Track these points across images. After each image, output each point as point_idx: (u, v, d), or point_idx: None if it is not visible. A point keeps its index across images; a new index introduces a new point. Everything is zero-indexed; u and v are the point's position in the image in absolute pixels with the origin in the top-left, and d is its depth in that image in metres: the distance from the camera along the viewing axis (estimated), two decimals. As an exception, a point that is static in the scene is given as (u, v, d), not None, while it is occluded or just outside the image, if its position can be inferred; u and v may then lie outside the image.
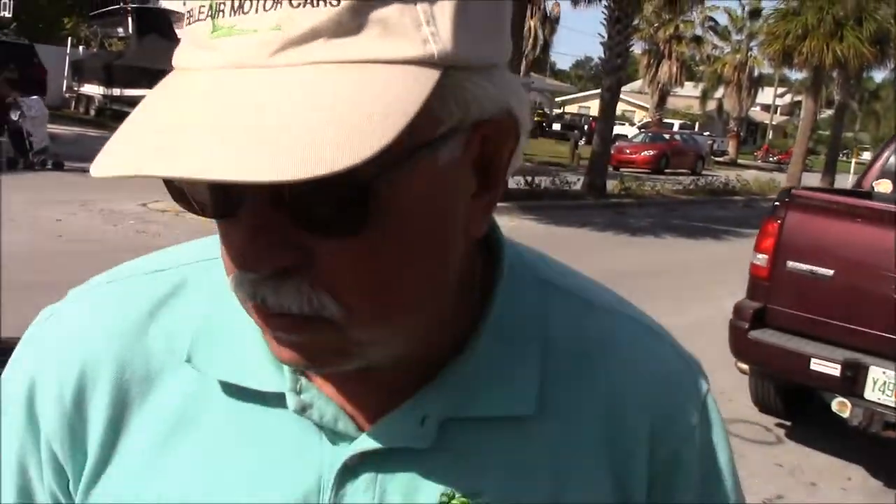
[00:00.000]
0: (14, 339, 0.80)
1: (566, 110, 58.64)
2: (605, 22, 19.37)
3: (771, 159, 51.81)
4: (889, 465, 5.14)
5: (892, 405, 4.62)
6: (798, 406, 5.88)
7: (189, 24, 0.55)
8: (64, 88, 23.41)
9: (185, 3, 0.57)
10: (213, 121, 0.50)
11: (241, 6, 0.52)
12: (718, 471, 0.80)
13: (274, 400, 0.69)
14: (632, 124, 49.42)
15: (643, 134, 35.78)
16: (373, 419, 0.69)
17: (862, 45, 28.01)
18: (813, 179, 29.71)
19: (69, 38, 24.54)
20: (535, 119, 43.71)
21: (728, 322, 5.39)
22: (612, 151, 29.79)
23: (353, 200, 0.54)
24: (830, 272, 4.88)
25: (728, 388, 6.33)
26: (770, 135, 65.76)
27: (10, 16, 25.43)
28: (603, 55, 19.53)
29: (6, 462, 0.74)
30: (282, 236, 0.55)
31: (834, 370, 4.75)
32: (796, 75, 46.76)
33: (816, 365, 4.81)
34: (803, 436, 5.70)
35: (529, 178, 17.48)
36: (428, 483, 0.68)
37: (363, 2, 0.51)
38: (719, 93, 50.53)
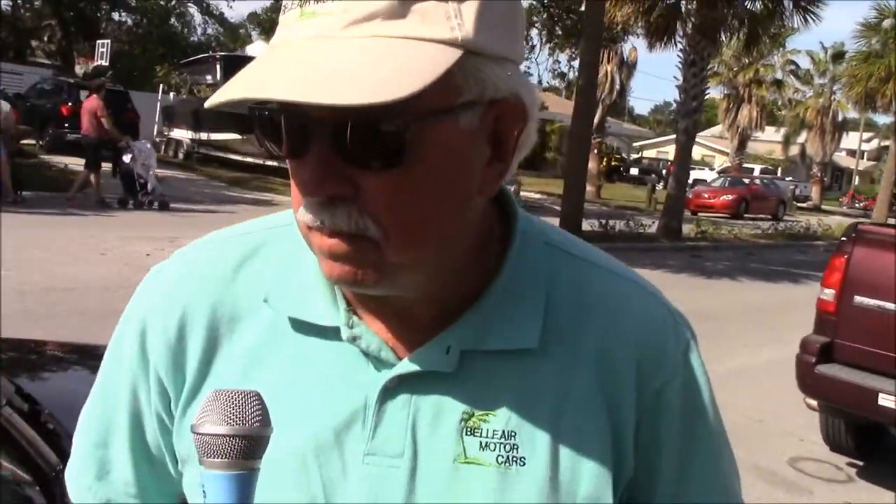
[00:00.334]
0: (101, 346, 1.00)
1: (644, 155, 58.37)
2: (680, 65, 19.44)
3: (857, 205, 50.47)
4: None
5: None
6: (870, 444, 5.80)
7: (283, 13, 0.75)
8: (155, 133, 24.40)
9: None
10: (303, 69, 0.69)
11: None
12: (699, 408, 0.93)
13: (331, 333, 0.86)
14: (711, 169, 48.88)
15: (722, 178, 35.35)
16: (408, 350, 0.85)
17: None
18: (900, 225, 28.87)
19: (161, 85, 25.62)
20: (613, 164, 43.63)
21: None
22: (691, 196, 29.60)
23: (390, 142, 0.72)
24: (897, 307, 4.86)
25: (799, 428, 6.29)
26: (856, 180, 64.12)
27: (107, 64, 26.85)
28: (678, 98, 19.55)
29: (122, 389, 0.94)
30: (337, 171, 0.73)
31: (902, 405, 4.71)
32: (883, 119, 45.71)
33: (884, 400, 4.78)
34: (875, 475, 5.62)
35: (603, 221, 17.52)
36: (452, 402, 0.85)
37: None
38: (802, 137, 49.57)
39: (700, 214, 27.32)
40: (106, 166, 14.68)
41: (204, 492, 0.70)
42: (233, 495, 0.69)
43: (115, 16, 39.15)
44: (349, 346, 0.86)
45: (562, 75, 27.76)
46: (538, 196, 28.01)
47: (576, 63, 18.91)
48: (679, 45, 19.61)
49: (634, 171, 46.12)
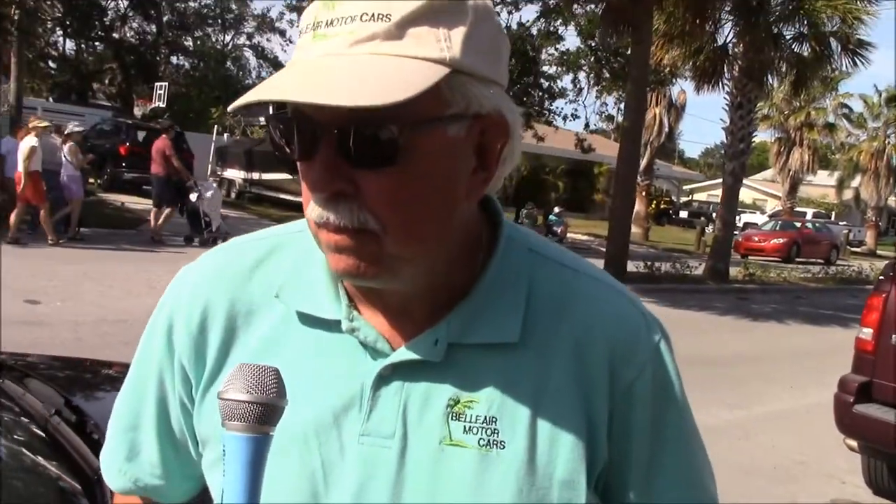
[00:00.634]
0: None
1: (694, 198, 57.93)
2: (727, 108, 19.42)
3: (913, 250, 49.38)
4: None
5: None
6: (912, 488, 5.70)
7: (300, 36, 0.87)
8: (209, 172, 24.96)
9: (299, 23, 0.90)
10: (311, 78, 0.81)
11: (331, 22, 0.84)
12: (669, 401, 1.01)
13: (334, 325, 0.96)
14: (763, 212, 48.32)
15: (773, 222, 34.93)
16: (402, 341, 0.95)
17: None
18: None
19: (215, 126, 26.26)
20: (662, 206, 43.41)
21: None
22: (741, 239, 29.30)
23: (386, 145, 0.83)
24: (937, 347, 4.82)
25: (841, 471, 6.21)
26: (913, 225, 62.80)
27: (164, 106, 27.60)
28: (725, 140, 19.50)
29: (151, 377, 1.06)
30: (340, 170, 0.84)
31: (941, 446, 4.66)
32: (940, 163, 44.75)
33: (923, 440, 4.72)
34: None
35: (649, 262, 17.46)
36: (439, 389, 0.94)
37: (405, 23, 0.82)
38: (856, 181, 48.77)
39: (750, 258, 27.01)
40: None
41: (224, 450, 0.80)
42: (248, 454, 0.80)
43: (174, 59, 40.35)
44: (350, 337, 0.96)
45: (610, 118, 27.72)
46: (585, 238, 27.98)
47: (623, 106, 18.94)
48: (726, 88, 19.63)
49: (684, 214, 45.84)
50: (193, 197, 14.68)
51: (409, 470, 0.93)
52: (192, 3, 39.18)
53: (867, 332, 5.15)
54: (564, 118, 26.29)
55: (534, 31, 24.50)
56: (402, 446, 0.93)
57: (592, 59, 24.96)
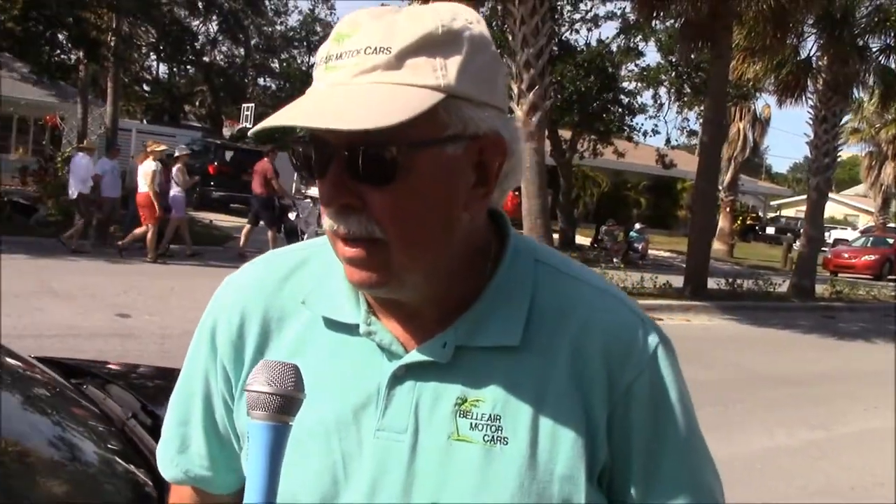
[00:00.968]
0: None
1: (782, 213, 56.48)
2: (811, 122, 18.99)
3: None
4: None
5: None
6: None
7: (317, 67, 0.98)
8: (293, 190, 25.54)
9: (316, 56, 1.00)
10: (319, 106, 0.93)
11: (340, 56, 0.94)
12: (667, 402, 1.05)
13: (354, 329, 1.05)
14: (854, 228, 46.80)
15: (864, 238, 33.78)
16: (414, 344, 1.03)
17: None
18: None
19: (300, 146, 26.79)
20: (747, 223, 42.44)
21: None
22: (830, 256, 28.43)
23: (387, 164, 0.92)
24: None
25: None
26: None
27: (252, 126, 28.34)
28: (810, 155, 19.06)
29: (198, 377, 1.17)
30: (348, 186, 0.94)
31: None
32: None
33: None
34: None
35: (731, 279, 17.15)
36: (448, 388, 1.02)
37: (404, 55, 0.92)
38: (955, 196, 46.80)
39: (840, 275, 26.18)
40: (230, 221, 15.48)
41: (248, 437, 0.91)
42: (269, 441, 0.90)
43: (261, 81, 41.50)
44: (368, 340, 1.04)
45: (692, 133, 27.37)
46: (667, 254, 27.57)
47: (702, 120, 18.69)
48: (810, 102, 19.20)
49: (771, 230, 44.67)
50: (292, 216, 15.09)
51: (420, 462, 1.00)
52: (278, 27, 40.34)
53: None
54: (645, 134, 26.14)
55: (613, 47, 24.42)
56: (413, 441, 1.01)
57: (673, 75, 24.73)
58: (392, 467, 1.01)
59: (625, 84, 25.34)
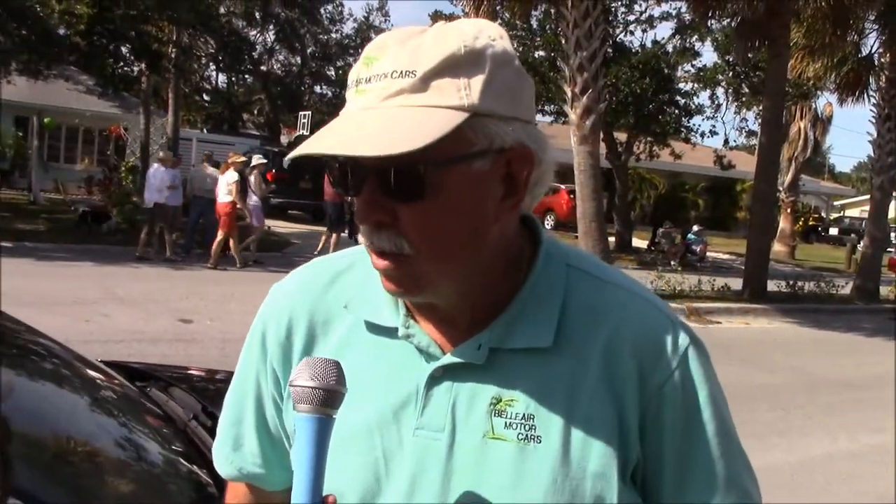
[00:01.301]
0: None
1: (846, 214, 55.14)
2: (873, 120, 18.56)
3: None
4: None
5: None
6: None
7: (348, 89, 1.01)
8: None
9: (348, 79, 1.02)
10: (348, 132, 0.96)
11: (369, 79, 0.97)
12: (699, 402, 1.06)
13: (393, 332, 1.09)
14: (921, 228, 45.43)
15: (933, 238, 32.78)
16: (451, 347, 1.07)
17: None
18: None
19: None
20: (809, 224, 41.55)
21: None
22: (894, 256, 27.68)
23: (416, 182, 0.95)
24: None
25: None
26: None
27: (308, 133, 28.60)
28: (873, 154, 18.63)
29: (250, 378, 1.22)
30: (380, 204, 0.97)
31: None
32: None
33: None
34: None
35: (791, 281, 16.85)
36: (484, 388, 1.05)
37: (428, 77, 0.95)
38: None
39: (907, 277, 25.47)
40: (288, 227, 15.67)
41: (294, 430, 0.97)
42: (314, 433, 0.95)
43: (317, 89, 41.99)
44: (407, 343, 1.08)
45: (751, 133, 26.91)
46: (726, 256, 27.16)
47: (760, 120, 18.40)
48: (872, 100, 18.77)
49: (834, 231, 43.65)
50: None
51: (457, 459, 1.04)
52: (333, 35, 40.77)
53: None
54: (702, 135, 25.78)
55: (668, 48, 24.17)
56: (450, 439, 1.04)
57: (730, 75, 24.37)
58: (431, 465, 1.05)
59: (681, 85, 25.03)
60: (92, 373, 2.48)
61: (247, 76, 40.10)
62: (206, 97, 41.00)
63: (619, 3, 22.88)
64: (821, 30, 16.21)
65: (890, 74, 18.12)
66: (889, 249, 25.03)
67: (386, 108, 0.96)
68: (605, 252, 13.97)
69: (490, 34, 1.00)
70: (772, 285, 16.46)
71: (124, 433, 2.26)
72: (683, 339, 1.08)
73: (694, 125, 25.12)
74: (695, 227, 25.79)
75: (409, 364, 1.08)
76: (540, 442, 1.03)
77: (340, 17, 42.20)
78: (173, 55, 21.72)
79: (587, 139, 13.28)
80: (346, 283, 1.16)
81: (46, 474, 1.82)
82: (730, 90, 25.47)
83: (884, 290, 18.72)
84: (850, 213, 55.35)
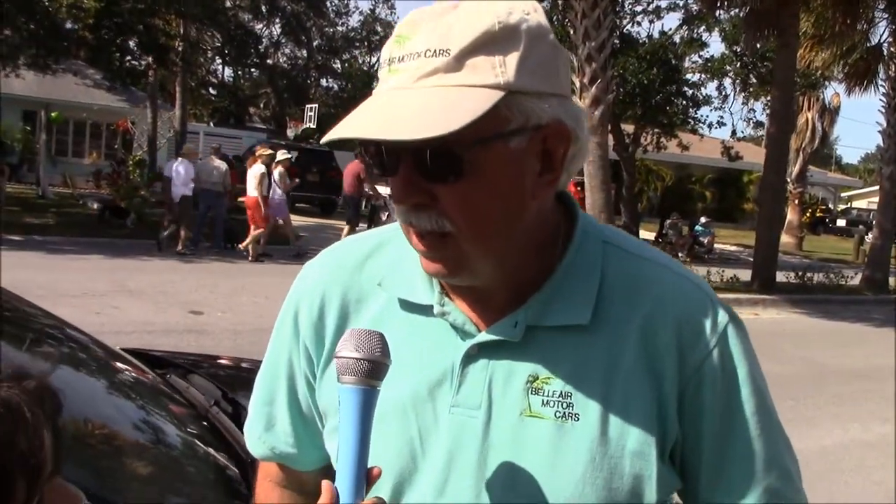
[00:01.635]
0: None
1: (853, 205, 54.98)
2: (882, 110, 18.47)
3: None
4: None
5: None
6: None
7: (381, 68, 0.99)
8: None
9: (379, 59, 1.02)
10: (382, 114, 0.94)
11: (402, 59, 0.95)
12: (738, 379, 1.05)
13: (429, 310, 1.08)
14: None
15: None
16: (486, 324, 1.06)
17: None
18: None
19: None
20: (817, 215, 41.46)
21: None
22: (904, 247, 27.59)
23: (454, 162, 0.94)
24: None
25: None
26: None
27: (315, 126, 28.72)
28: (882, 144, 18.55)
29: (282, 358, 1.21)
30: (418, 185, 0.97)
31: None
32: None
33: None
34: None
35: (800, 272, 16.82)
36: (520, 367, 1.04)
37: (463, 56, 0.93)
38: None
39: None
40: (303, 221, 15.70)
41: (339, 401, 0.96)
42: (359, 404, 0.95)
43: (323, 82, 41.97)
44: (442, 320, 1.07)
45: (759, 124, 26.83)
46: (734, 248, 27.11)
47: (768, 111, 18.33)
48: (881, 90, 18.68)
49: (842, 223, 43.59)
50: (384, 216, 15.29)
51: (494, 437, 1.03)
52: (339, 28, 40.73)
53: None
54: (710, 126, 25.76)
55: (676, 38, 24.11)
56: (487, 417, 1.04)
57: (738, 65, 24.30)
58: (467, 442, 1.04)
59: (688, 76, 24.96)
60: (114, 360, 2.48)
61: (253, 70, 40.06)
62: (212, 91, 41.03)
63: (627, -7, 22.82)
64: (830, 18, 16.13)
65: (899, 64, 18.02)
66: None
67: (420, 89, 0.94)
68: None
69: (524, 8, 0.98)
70: (780, 276, 16.42)
71: (148, 418, 2.27)
72: (723, 317, 1.07)
73: (701, 116, 25.00)
74: (702, 219, 25.71)
75: (445, 342, 1.08)
76: (578, 420, 1.02)
77: (346, 9, 42.38)
78: (180, 49, 21.72)
79: (596, 130, 13.24)
80: (379, 262, 1.16)
81: (76, 457, 1.83)
82: (737, 81, 25.39)
83: (893, 281, 18.63)
84: (857, 204, 55.19)
